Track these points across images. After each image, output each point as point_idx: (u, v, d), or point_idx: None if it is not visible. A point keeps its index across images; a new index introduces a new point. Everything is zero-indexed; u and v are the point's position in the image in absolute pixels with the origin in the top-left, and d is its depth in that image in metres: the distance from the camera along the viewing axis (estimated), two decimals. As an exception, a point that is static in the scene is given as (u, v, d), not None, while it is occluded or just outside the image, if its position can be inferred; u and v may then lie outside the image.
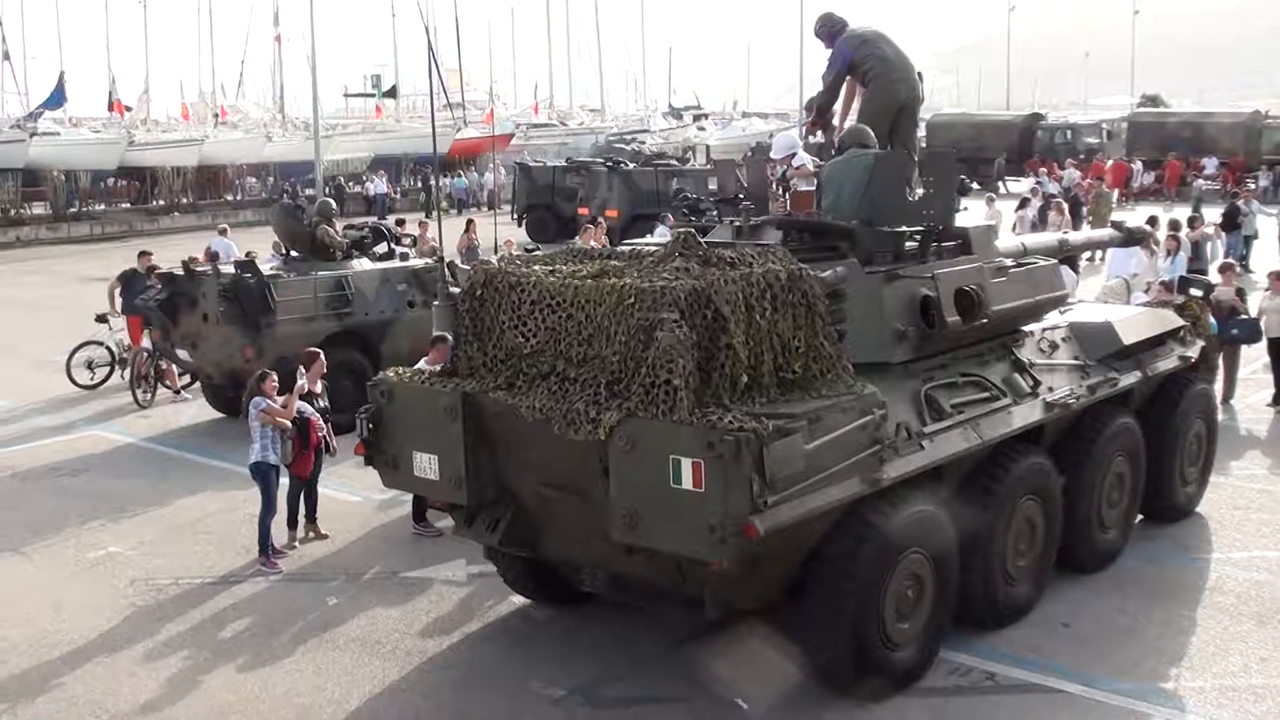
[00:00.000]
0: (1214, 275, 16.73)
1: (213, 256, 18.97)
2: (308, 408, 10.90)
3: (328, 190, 44.36)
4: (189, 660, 8.80)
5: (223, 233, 23.16)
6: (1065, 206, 27.54)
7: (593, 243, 19.30)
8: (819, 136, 10.46)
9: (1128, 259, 18.60)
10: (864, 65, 10.06)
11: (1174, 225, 20.93)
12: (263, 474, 10.65)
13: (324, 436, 11.01)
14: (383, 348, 15.49)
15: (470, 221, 24.87)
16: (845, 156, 9.28)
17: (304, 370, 11.14)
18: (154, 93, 63.12)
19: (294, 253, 16.09)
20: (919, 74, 10.25)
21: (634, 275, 7.39)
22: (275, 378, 10.87)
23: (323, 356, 11.61)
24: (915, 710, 7.78)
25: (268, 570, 10.50)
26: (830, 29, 10.28)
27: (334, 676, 8.47)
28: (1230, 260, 18.20)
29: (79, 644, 9.13)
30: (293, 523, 11.10)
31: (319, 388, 11.31)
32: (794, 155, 9.90)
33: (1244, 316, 14.65)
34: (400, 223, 22.27)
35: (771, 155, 10.12)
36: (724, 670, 8.18)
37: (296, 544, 10.98)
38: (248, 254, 18.28)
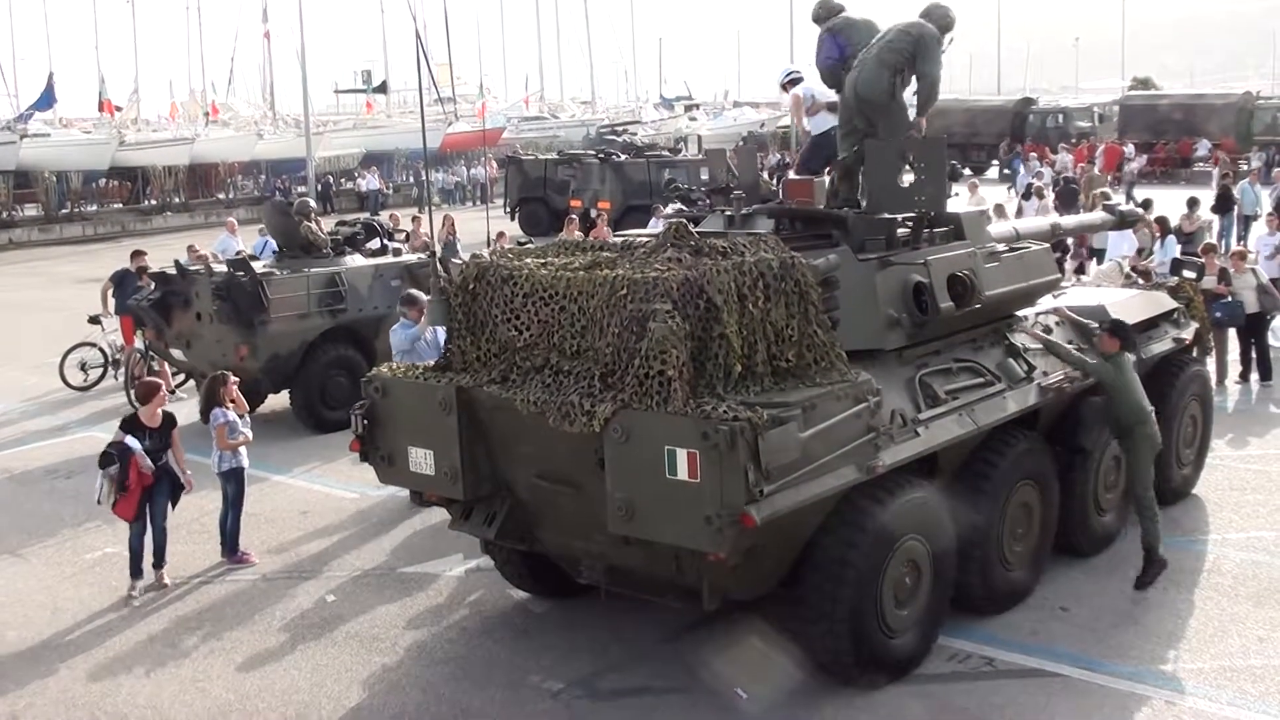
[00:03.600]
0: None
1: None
2: (135, 444, 9.80)
3: (319, 187, 44.37)
4: (187, 660, 8.79)
5: (231, 229, 23.15)
6: (1043, 190, 27.38)
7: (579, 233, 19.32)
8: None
9: (1120, 242, 18.59)
10: (846, 54, 10.02)
11: (1146, 205, 20.94)
12: (235, 478, 10.62)
13: (152, 472, 9.84)
14: (376, 343, 15.46)
15: (447, 217, 24.87)
16: (909, 22, 9.64)
17: (140, 406, 10.14)
18: (144, 92, 62.95)
19: (286, 250, 16.07)
20: None
21: (626, 266, 7.37)
22: (234, 379, 10.81)
23: (164, 390, 10.46)
24: (914, 697, 7.78)
25: (240, 567, 10.53)
26: (832, 12, 10.19)
27: (333, 673, 8.47)
28: (1212, 242, 18.24)
29: (77, 645, 9.12)
30: (135, 571, 10.00)
31: (156, 420, 10.04)
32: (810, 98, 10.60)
33: (1226, 299, 14.71)
34: (392, 217, 22.24)
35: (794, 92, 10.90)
36: (723, 660, 8.19)
37: (135, 594, 9.91)
38: (238, 253, 18.25)
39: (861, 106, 9.60)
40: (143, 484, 9.85)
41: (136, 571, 10.01)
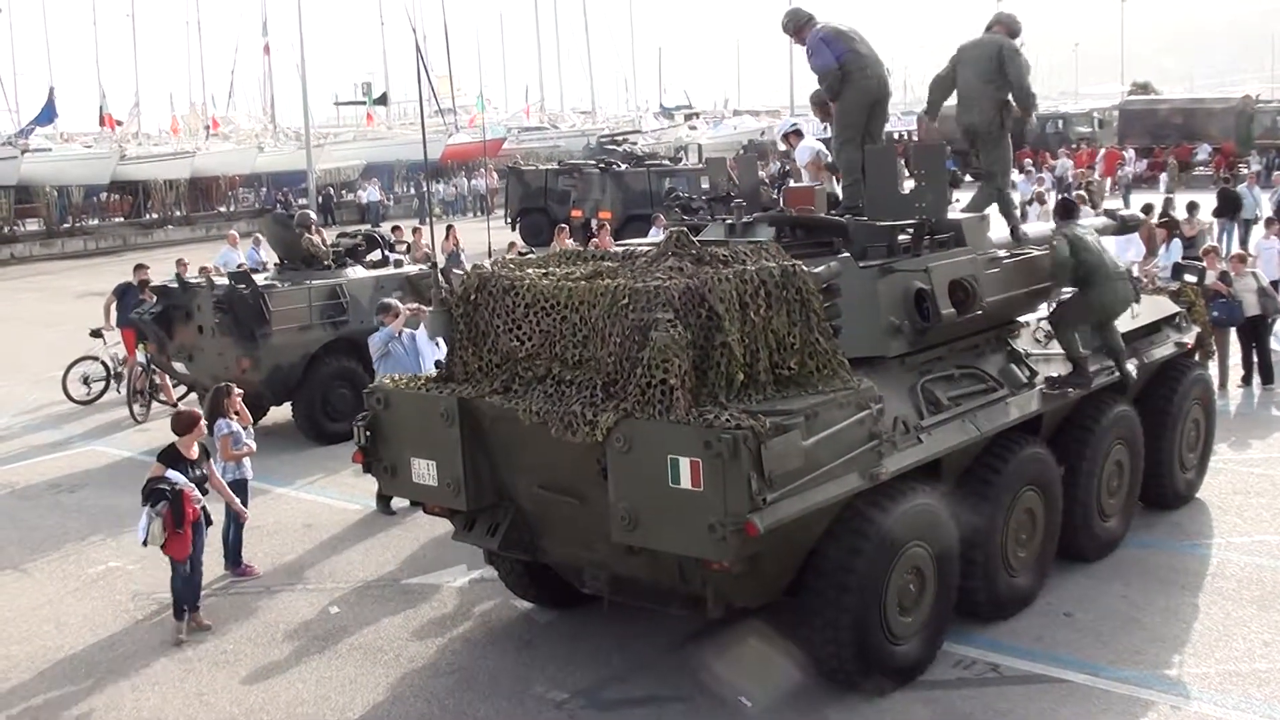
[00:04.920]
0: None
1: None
2: (180, 478, 9.28)
3: (319, 199, 44.46)
4: (192, 673, 8.78)
5: (233, 242, 23.18)
6: (1043, 196, 27.42)
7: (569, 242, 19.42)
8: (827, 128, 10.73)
9: (1125, 247, 18.57)
10: (842, 60, 10.05)
11: (1147, 209, 20.89)
12: (239, 490, 10.55)
13: (201, 509, 9.40)
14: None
15: (450, 227, 24.89)
16: (979, 38, 10.10)
17: (178, 436, 9.61)
18: (145, 106, 63.25)
19: (287, 262, 16.09)
20: (886, 69, 10.36)
21: (627, 276, 7.38)
22: (238, 391, 10.79)
23: (202, 423, 9.95)
24: (919, 704, 7.77)
25: (244, 579, 10.52)
26: (800, 23, 10.25)
27: (337, 685, 8.46)
28: (1214, 244, 18.21)
29: (81, 660, 9.12)
30: (179, 613, 9.46)
31: (195, 452, 9.64)
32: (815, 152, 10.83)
33: (1224, 299, 14.74)
34: (395, 229, 22.31)
35: (799, 161, 11.21)
36: (727, 669, 8.18)
37: (184, 636, 9.35)
38: (239, 265, 18.30)
39: (971, 137, 10.28)
40: (193, 519, 9.33)
41: (180, 613, 9.47)
